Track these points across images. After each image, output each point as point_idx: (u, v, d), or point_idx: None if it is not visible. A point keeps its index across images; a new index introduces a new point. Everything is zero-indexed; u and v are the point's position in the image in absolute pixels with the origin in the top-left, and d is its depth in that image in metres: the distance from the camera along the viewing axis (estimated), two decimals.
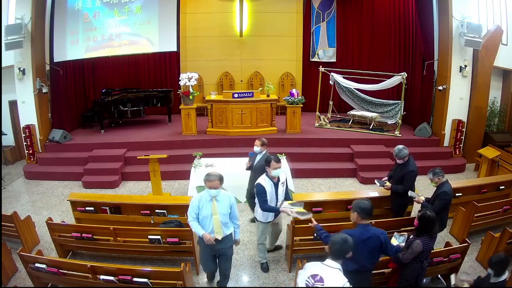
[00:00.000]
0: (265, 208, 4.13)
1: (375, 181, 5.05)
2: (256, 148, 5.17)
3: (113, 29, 8.66)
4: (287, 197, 4.43)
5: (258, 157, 5.19)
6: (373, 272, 3.60)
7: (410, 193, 4.50)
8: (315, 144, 8.05)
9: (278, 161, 4.08)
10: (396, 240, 3.75)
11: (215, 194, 3.64)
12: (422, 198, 4.42)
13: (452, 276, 3.73)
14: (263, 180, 4.13)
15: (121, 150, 7.65)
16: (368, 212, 3.28)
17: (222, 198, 3.71)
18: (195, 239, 4.24)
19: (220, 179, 3.64)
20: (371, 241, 3.24)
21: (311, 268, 2.76)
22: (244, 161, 5.54)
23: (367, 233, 3.26)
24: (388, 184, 4.87)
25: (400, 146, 4.67)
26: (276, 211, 4.22)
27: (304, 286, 2.71)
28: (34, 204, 6.38)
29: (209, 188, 3.61)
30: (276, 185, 4.17)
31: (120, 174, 7.27)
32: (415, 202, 4.79)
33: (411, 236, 3.70)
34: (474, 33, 7.45)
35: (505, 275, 3.16)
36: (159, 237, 4.28)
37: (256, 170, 5.09)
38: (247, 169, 5.42)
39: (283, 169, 4.47)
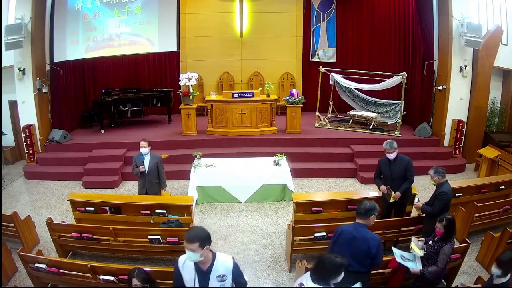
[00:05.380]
0: None
1: (386, 189, 4.71)
2: (145, 150, 5.02)
3: (113, 29, 8.65)
4: None
5: (147, 159, 5.09)
6: (373, 272, 3.58)
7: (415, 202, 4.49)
8: (315, 144, 8.04)
9: (190, 240, 2.50)
10: (417, 247, 3.68)
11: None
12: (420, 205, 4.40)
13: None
14: (182, 259, 2.72)
15: (121, 150, 7.64)
16: (358, 211, 3.28)
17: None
18: None
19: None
20: (356, 243, 3.11)
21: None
22: (244, 161, 5.45)
23: (355, 232, 3.15)
24: (398, 193, 4.63)
25: (389, 140, 4.68)
26: None
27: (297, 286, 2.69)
28: (34, 204, 6.37)
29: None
30: (203, 275, 2.65)
31: (120, 174, 7.26)
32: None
33: (430, 242, 3.72)
34: (474, 33, 7.45)
35: (509, 276, 3.13)
36: (159, 237, 4.28)
37: (150, 172, 5.08)
38: (141, 173, 5.08)
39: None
